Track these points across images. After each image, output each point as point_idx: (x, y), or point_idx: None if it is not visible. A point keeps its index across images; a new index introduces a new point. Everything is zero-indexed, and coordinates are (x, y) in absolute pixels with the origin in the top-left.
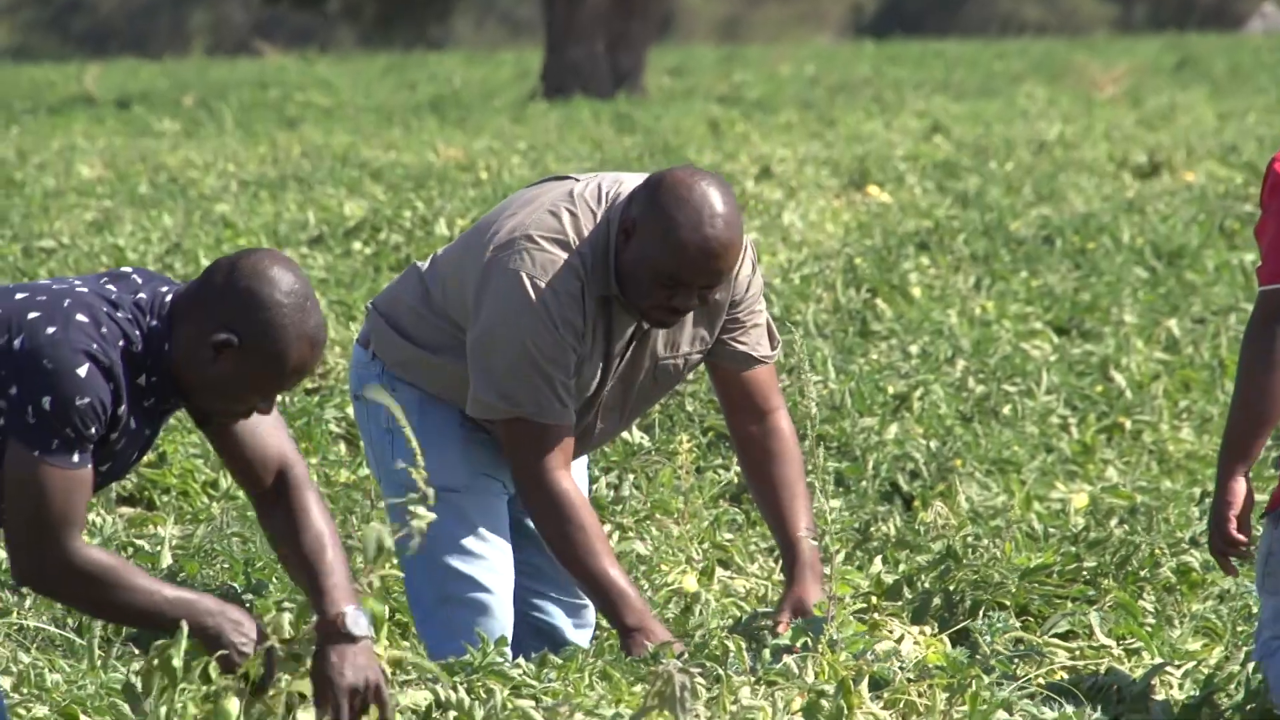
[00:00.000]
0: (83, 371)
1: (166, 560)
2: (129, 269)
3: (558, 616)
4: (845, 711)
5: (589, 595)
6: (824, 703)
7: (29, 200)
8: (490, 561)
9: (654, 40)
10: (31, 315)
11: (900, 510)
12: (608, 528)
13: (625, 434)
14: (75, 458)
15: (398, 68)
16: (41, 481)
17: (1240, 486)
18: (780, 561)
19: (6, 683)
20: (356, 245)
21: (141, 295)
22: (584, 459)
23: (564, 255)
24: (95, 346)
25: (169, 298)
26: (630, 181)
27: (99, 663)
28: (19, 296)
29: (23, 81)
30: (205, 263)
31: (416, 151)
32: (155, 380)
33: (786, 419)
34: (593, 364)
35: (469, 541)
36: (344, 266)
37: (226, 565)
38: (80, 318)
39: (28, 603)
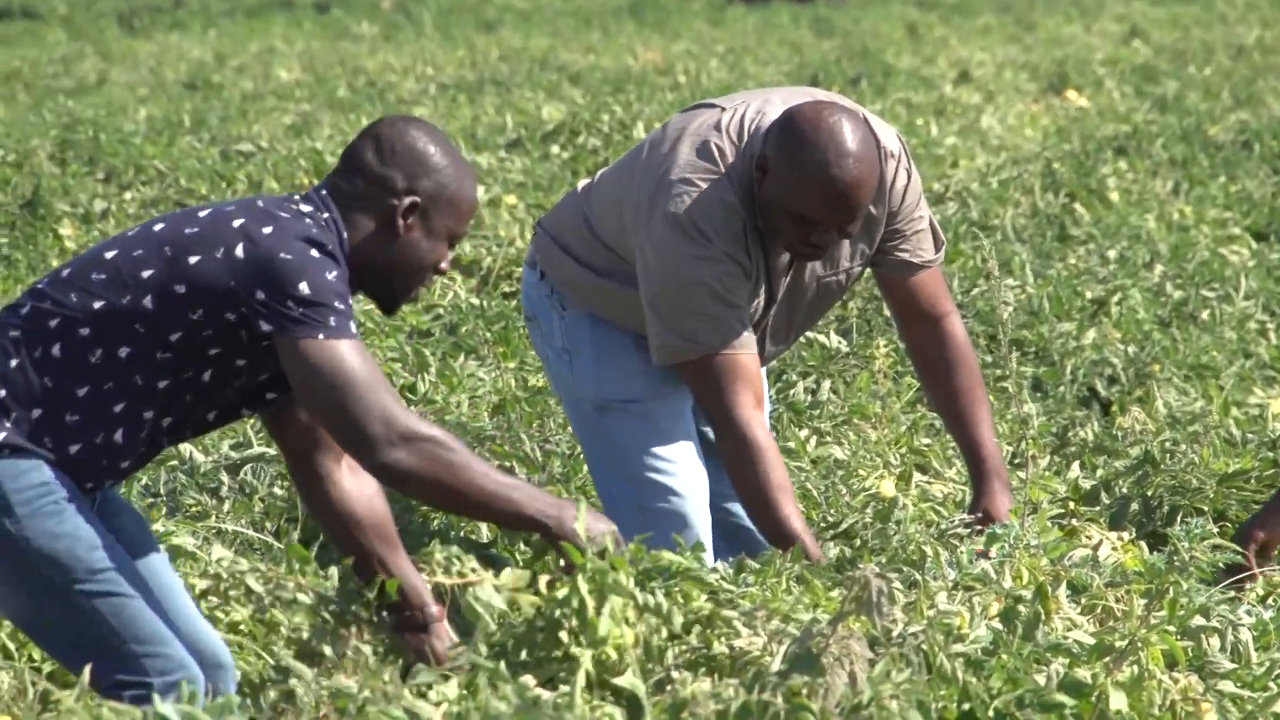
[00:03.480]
0: (316, 253)
1: None
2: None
3: (749, 521)
4: (1042, 617)
5: (770, 544)
6: (1021, 608)
7: (227, 104)
8: (682, 467)
9: None
10: (237, 223)
11: (1098, 415)
12: (805, 432)
13: (823, 339)
14: (353, 327)
15: None
16: (338, 359)
17: None
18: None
19: (205, 584)
20: (554, 149)
21: (302, 196)
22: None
23: (720, 194)
24: (315, 232)
25: (324, 191)
26: (773, 109)
27: (297, 566)
28: (202, 214)
29: None
30: None
31: (615, 55)
32: (347, 274)
33: (959, 324)
34: (755, 291)
35: (659, 449)
36: (541, 170)
37: None
38: (283, 215)
39: (225, 506)
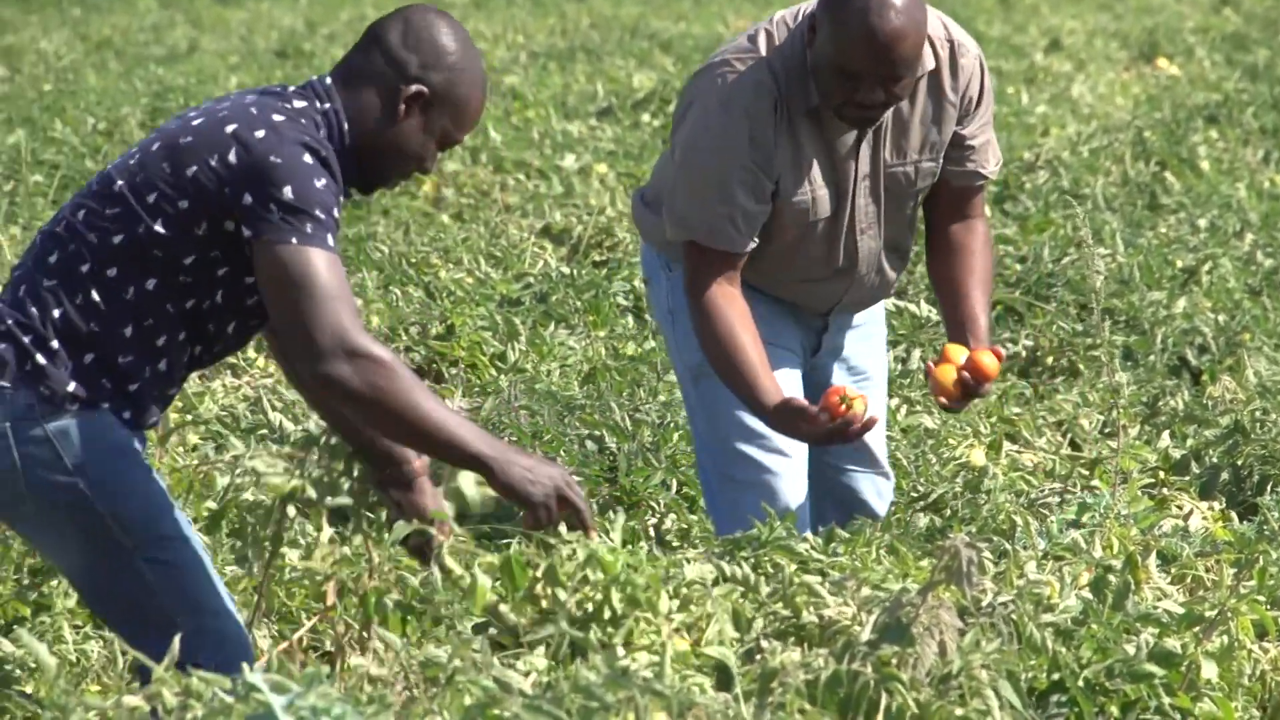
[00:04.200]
0: (309, 159)
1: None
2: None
3: (861, 488)
4: (1132, 586)
5: (734, 392)
6: (1111, 577)
7: (318, 71)
8: (774, 439)
9: None
10: (230, 128)
11: (1188, 384)
12: (895, 401)
13: (913, 307)
14: (330, 240)
15: None
16: (305, 264)
17: None
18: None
19: (293, 554)
20: (645, 117)
21: (296, 89)
22: (882, 410)
23: (755, 74)
24: (307, 138)
25: (329, 79)
26: None
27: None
28: (196, 123)
29: None
30: (495, 135)
31: (705, 22)
32: (342, 165)
33: (985, 225)
34: (810, 179)
35: (751, 419)
36: (632, 138)
37: (514, 438)
38: (276, 117)
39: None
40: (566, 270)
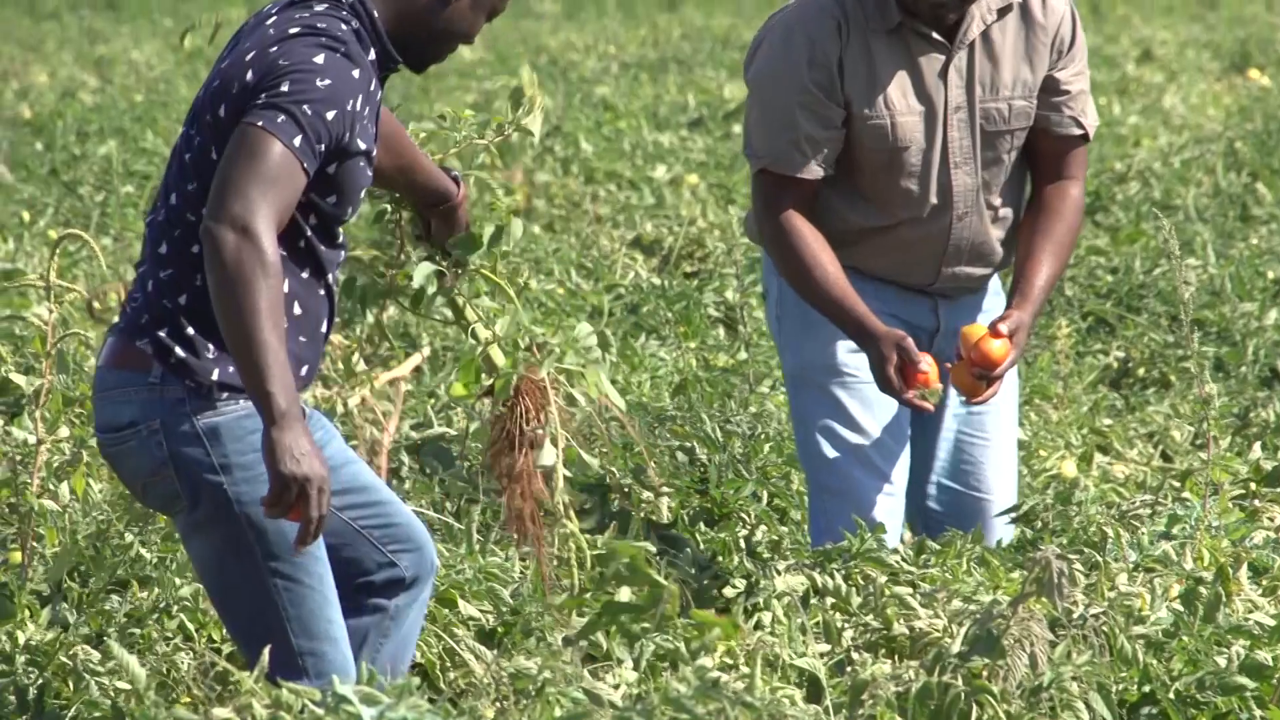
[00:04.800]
0: (320, 59)
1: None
2: None
3: (966, 508)
4: (1223, 599)
5: (819, 309)
6: (1202, 589)
7: (409, 82)
8: (867, 453)
9: None
10: (248, 56)
11: None
12: None
13: None
14: (298, 140)
15: None
16: (257, 143)
17: None
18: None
19: None
20: (736, 128)
21: None
22: (1009, 438)
23: (827, 5)
24: (323, 38)
25: None
26: None
27: (477, 547)
28: (223, 65)
29: None
30: (586, 146)
31: None
32: (379, 51)
33: (1079, 189)
34: (889, 103)
35: (845, 431)
36: (723, 149)
37: (605, 450)
38: (292, 30)
39: (406, 485)
40: (657, 281)
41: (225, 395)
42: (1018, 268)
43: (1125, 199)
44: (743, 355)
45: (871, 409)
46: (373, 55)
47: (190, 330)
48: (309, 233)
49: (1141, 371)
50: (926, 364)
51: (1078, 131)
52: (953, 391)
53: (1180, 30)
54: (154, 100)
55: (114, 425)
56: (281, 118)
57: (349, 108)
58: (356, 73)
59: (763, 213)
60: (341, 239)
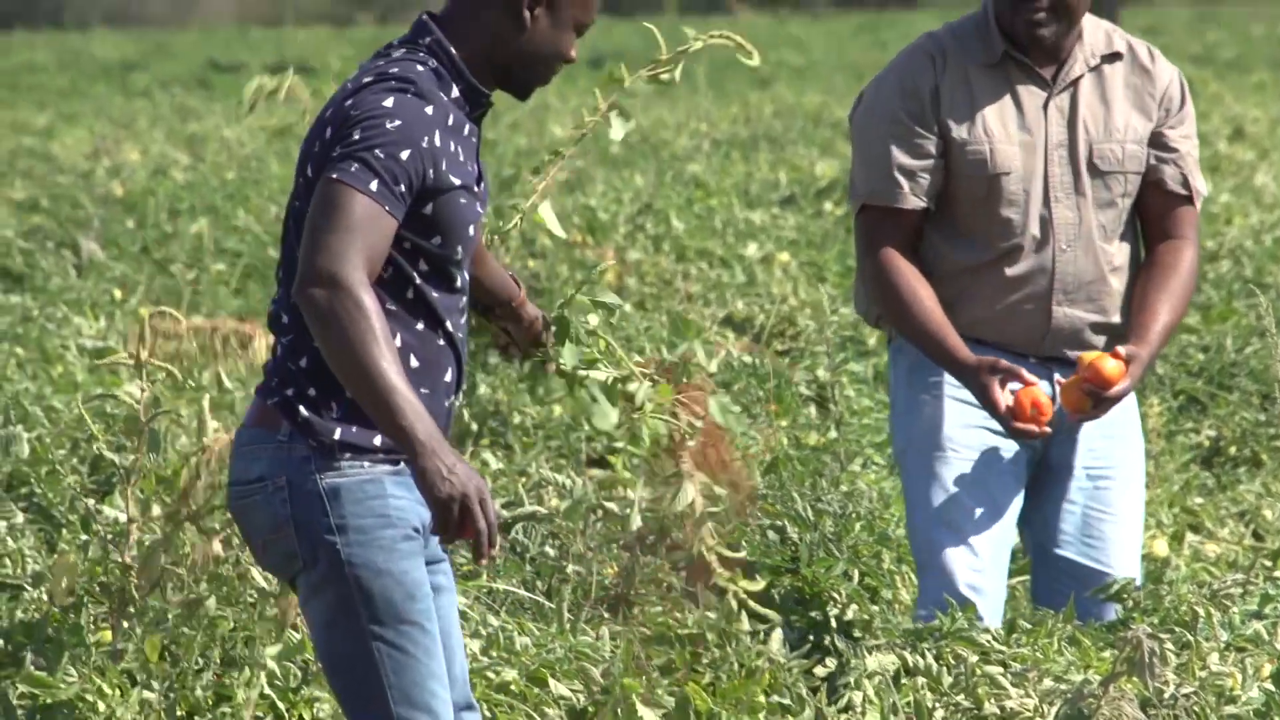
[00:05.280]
0: (390, 102)
1: (636, 523)
2: None
3: (1080, 581)
4: None
5: (915, 343)
6: None
7: (500, 159)
8: (964, 531)
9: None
10: (328, 113)
11: None
12: None
13: None
14: (375, 185)
15: (870, 27)
16: (336, 196)
17: None
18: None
19: (476, 645)
20: (828, 206)
21: (397, 40)
22: (1135, 517)
23: (915, 42)
24: (393, 83)
25: (424, 17)
26: None
27: (568, 626)
28: (312, 131)
29: None
30: (677, 224)
31: None
32: (463, 88)
33: (1193, 250)
34: (988, 131)
35: (943, 508)
36: (814, 227)
37: None
38: (366, 79)
39: (497, 563)
40: (749, 359)
41: (348, 455)
42: (1133, 315)
43: (1217, 277)
44: (834, 433)
45: (968, 484)
46: (456, 92)
47: (312, 391)
48: (418, 280)
49: (1233, 450)
50: (1032, 379)
51: (1185, 191)
52: (1078, 461)
53: (1271, 108)
54: (246, 178)
55: (243, 479)
56: (355, 166)
57: (424, 144)
58: (430, 109)
59: (864, 250)
60: (460, 283)
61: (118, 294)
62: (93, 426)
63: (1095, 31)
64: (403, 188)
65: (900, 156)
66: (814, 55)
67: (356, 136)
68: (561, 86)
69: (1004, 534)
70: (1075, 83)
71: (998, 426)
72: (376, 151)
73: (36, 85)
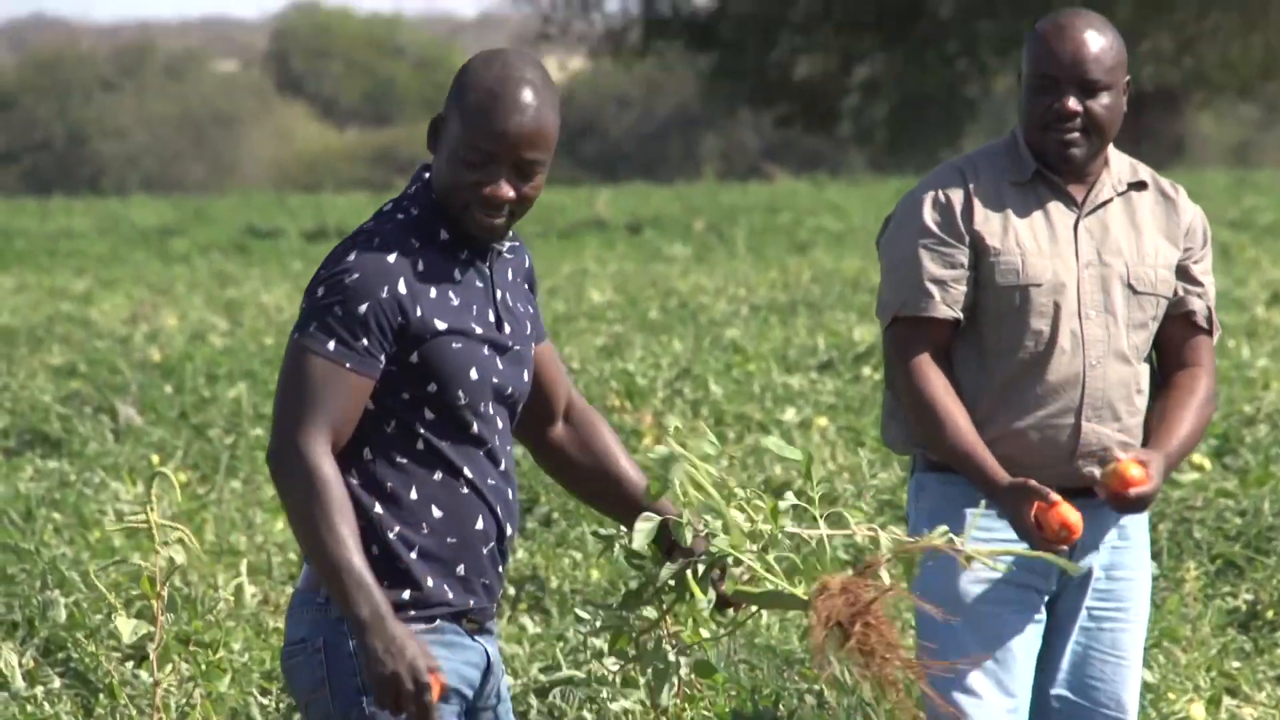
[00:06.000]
0: (352, 256)
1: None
2: None
3: None
4: None
5: (945, 458)
6: None
7: None
8: (974, 695)
9: (1164, 164)
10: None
11: None
12: None
13: None
14: (332, 345)
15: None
16: (294, 361)
17: None
18: None
19: None
20: (866, 370)
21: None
22: (1137, 651)
23: (951, 161)
24: (360, 236)
25: (421, 165)
26: None
27: None
28: None
29: (534, 206)
30: (716, 389)
31: None
32: (450, 233)
33: (1210, 378)
34: (1020, 243)
35: (962, 660)
36: (853, 392)
37: (733, 691)
38: (349, 236)
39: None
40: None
41: (411, 613)
42: (1153, 429)
43: (1254, 441)
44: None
45: (993, 638)
46: (445, 235)
47: (375, 549)
48: (423, 430)
49: (1270, 614)
50: (1058, 499)
51: (1206, 324)
52: (1084, 604)
53: None
54: (284, 343)
55: (291, 639)
56: (314, 325)
57: (385, 294)
58: (393, 257)
59: (896, 363)
60: (477, 428)
61: (155, 460)
62: (110, 597)
63: (1120, 161)
64: (366, 342)
65: (931, 266)
66: (852, 220)
67: (320, 294)
68: (600, 251)
69: (1027, 683)
70: (1104, 205)
71: (1021, 578)
72: (335, 308)
73: (75, 251)
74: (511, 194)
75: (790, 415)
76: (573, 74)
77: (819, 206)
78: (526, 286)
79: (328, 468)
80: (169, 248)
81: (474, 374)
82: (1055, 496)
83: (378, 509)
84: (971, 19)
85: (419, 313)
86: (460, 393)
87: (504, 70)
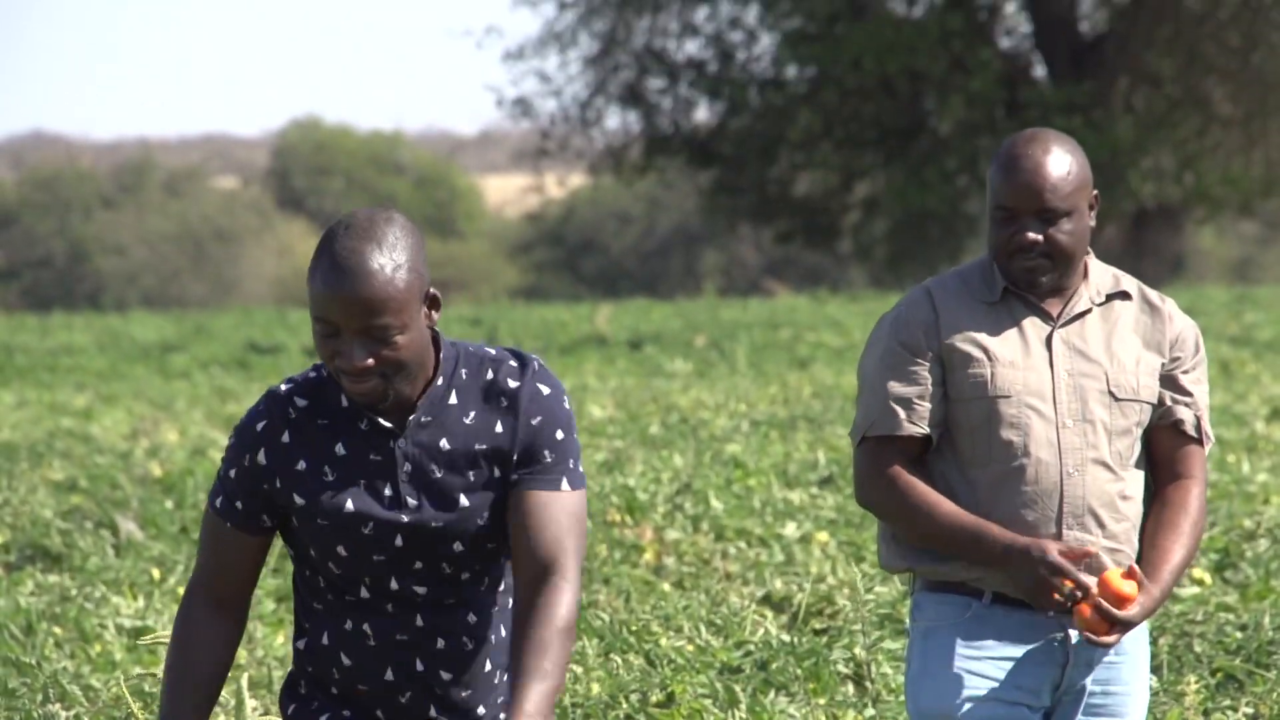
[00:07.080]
0: (242, 419)
1: None
2: None
3: None
4: None
5: (949, 549)
6: None
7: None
8: None
9: (1165, 280)
10: None
11: None
12: None
13: None
14: (218, 502)
15: None
16: (204, 521)
17: None
18: None
19: None
20: None
21: None
22: (1143, 699)
23: (922, 284)
24: (260, 401)
25: None
26: None
27: None
28: None
29: (534, 321)
30: (716, 504)
31: None
32: (350, 400)
33: (1201, 489)
34: (991, 357)
35: None
36: (853, 507)
37: None
38: (260, 399)
39: None
40: (787, 638)
41: None
42: (1144, 554)
43: (1254, 555)
44: (870, 711)
45: None
46: (345, 403)
47: (295, 670)
48: (323, 585)
49: None
50: (1107, 567)
51: (1195, 434)
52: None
53: None
54: None
55: None
56: (216, 482)
57: (247, 462)
58: (261, 425)
59: (867, 481)
60: (367, 595)
61: (156, 574)
62: (133, 705)
63: (1102, 273)
64: (239, 504)
65: (896, 387)
66: (853, 336)
67: (224, 449)
68: (601, 366)
69: None
70: (1080, 317)
71: (1012, 696)
72: (221, 468)
73: (75, 367)
74: (368, 361)
75: (790, 530)
76: (573, 190)
77: (819, 322)
78: (482, 449)
79: (194, 617)
80: (169, 363)
81: (342, 550)
82: (1105, 560)
83: (299, 645)
84: (971, 135)
85: (279, 484)
86: (331, 565)
87: (338, 241)
